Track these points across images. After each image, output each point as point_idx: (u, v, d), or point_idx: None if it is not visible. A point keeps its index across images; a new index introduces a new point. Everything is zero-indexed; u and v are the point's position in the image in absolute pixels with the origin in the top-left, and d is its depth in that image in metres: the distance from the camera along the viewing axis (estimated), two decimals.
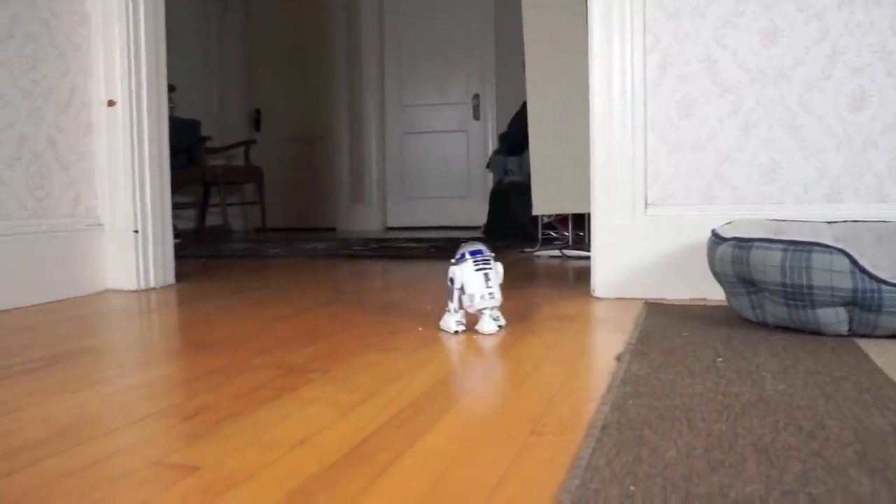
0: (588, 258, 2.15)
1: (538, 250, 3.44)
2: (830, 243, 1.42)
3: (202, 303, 2.20)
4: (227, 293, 2.35)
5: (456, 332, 1.55)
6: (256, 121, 6.69)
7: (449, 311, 1.57)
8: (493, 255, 1.56)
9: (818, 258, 1.41)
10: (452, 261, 1.57)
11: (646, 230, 2.02)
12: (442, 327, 1.59)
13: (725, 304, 1.72)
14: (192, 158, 5.37)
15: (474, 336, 1.54)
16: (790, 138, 1.95)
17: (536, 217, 3.61)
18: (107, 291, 2.39)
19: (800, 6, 1.92)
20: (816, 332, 1.46)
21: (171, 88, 2.91)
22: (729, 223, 1.72)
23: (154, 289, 2.44)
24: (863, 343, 1.39)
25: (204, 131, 5.64)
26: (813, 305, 1.43)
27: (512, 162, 4.78)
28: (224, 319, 1.89)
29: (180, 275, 2.62)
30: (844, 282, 1.39)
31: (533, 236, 3.74)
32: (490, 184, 5.35)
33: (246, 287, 2.45)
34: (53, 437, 0.94)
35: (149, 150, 2.45)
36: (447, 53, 6.36)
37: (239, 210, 6.48)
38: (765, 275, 1.48)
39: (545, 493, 0.72)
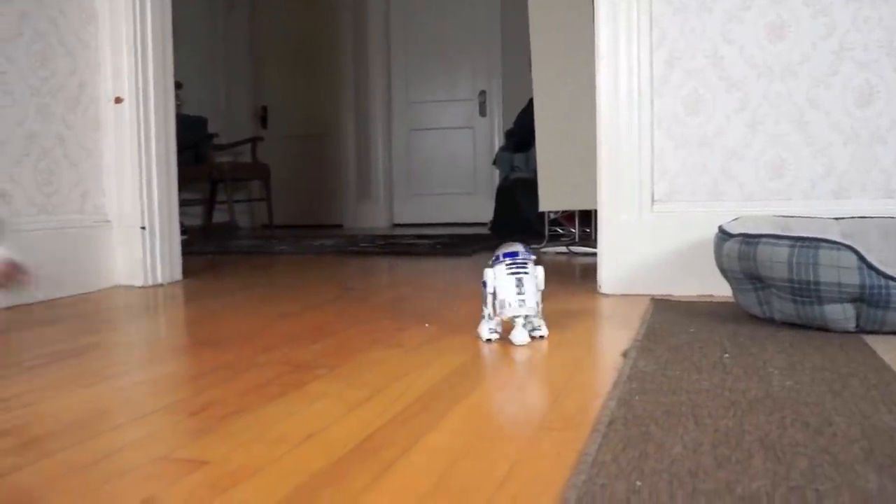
0: (594, 254, 2.15)
1: (545, 247, 3.44)
2: (838, 239, 1.42)
3: (209, 299, 2.21)
4: (234, 290, 2.36)
5: (488, 339, 1.44)
6: (263, 118, 6.70)
7: (483, 317, 1.46)
8: (532, 257, 1.44)
9: (825, 254, 1.40)
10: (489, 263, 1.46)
11: (652, 226, 2.01)
12: (478, 332, 1.48)
13: (732, 300, 1.72)
14: (199, 155, 5.38)
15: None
16: (797, 134, 1.94)
17: (543, 213, 3.60)
18: (114, 287, 2.40)
19: (807, 1, 1.92)
20: (824, 329, 1.46)
21: (177, 85, 2.92)
22: (736, 219, 1.72)
23: (161, 285, 2.45)
24: (870, 339, 1.38)
25: (211, 128, 5.65)
26: (820, 302, 1.43)
27: (518, 158, 4.78)
28: (231, 316, 1.89)
29: (187, 271, 2.63)
30: (852, 278, 1.38)
31: (539, 233, 3.74)
32: (496, 180, 5.34)
33: (253, 284, 2.45)
34: (63, 431, 0.95)
35: (156, 147, 2.46)
36: (453, 50, 6.35)
37: (246, 207, 6.49)
38: (772, 271, 1.47)
39: (551, 488, 0.72)
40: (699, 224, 1.94)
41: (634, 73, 2.02)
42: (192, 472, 0.79)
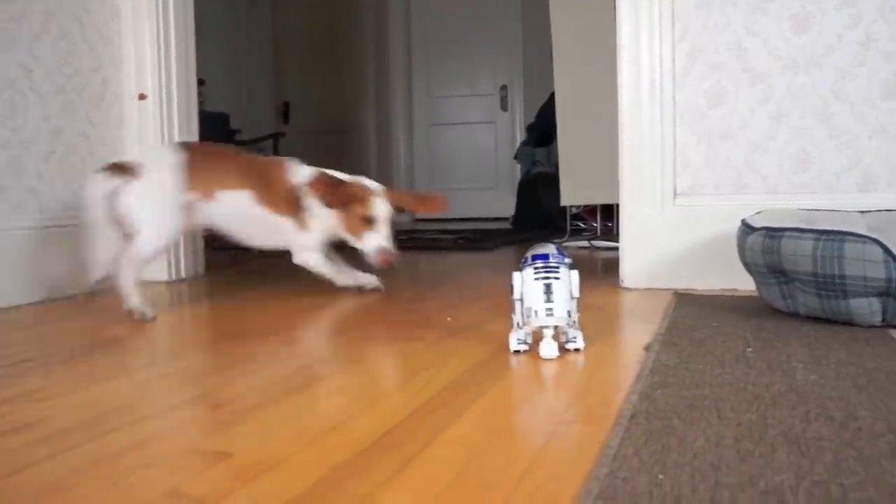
0: (616, 249, 2.13)
1: (566, 241, 3.43)
2: (863, 232, 1.40)
3: (232, 294, 2.22)
4: (255, 284, 2.37)
5: (516, 351, 1.28)
6: (285, 113, 6.73)
7: (512, 326, 1.30)
8: (567, 260, 1.29)
9: (851, 248, 1.39)
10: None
11: (675, 220, 2.00)
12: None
13: (756, 294, 1.71)
14: None
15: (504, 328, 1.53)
16: (822, 127, 1.92)
17: (565, 208, 3.59)
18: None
19: None
20: (849, 323, 1.44)
21: (200, 82, 2.93)
22: (759, 213, 1.70)
23: (185, 280, 2.47)
24: None
25: (233, 124, 5.68)
26: (845, 295, 1.41)
27: (540, 153, 4.77)
28: (253, 310, 1.91)
29: (210, 266, 2.65)
30: (878, 271, 1.37)
31: (561, 227, 3.73)
32: (518, 175, 5.33)
33: (274, 279, 2.47)
34: (89, 423, 0.96)
35: None
36: (474, 45, 6.34)
37: None
38: (796, 265, 1.46)
39: (573, 481, 0.72)
40: (722, 218, 1.92)
41: (656, 67, 2.00)
42: (215, 463, 0.80)
